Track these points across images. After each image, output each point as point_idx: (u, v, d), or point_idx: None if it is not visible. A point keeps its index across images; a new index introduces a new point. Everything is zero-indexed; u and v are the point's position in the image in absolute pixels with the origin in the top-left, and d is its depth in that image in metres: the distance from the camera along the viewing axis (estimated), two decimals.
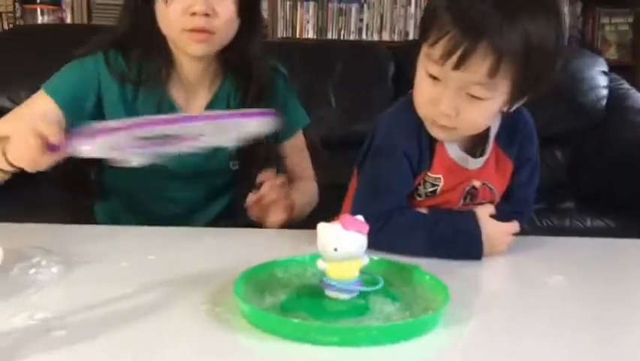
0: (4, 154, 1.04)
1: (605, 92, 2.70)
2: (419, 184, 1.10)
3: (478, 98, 0.98)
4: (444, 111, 0.99)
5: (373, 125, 1.13)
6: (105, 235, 1.13)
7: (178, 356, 0.72)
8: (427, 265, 0.91)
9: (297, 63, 2.44)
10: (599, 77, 2.70)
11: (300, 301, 0.82)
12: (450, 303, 0.81)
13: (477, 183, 1.12)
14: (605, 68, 2.74)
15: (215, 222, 1.34)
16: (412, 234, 1.04)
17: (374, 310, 0.80)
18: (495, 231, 1.06)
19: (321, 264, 0.84)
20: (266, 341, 0.75)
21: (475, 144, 1.11)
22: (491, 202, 1.13)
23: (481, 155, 1.11)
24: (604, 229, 2.25)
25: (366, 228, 0.84)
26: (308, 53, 2.62)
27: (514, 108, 1.05)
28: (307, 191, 1.37)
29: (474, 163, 1.10)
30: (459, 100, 0.99)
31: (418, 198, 1.12)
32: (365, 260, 0.85)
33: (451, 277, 0.89)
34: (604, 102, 2.69)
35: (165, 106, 1.26)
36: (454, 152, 1.09)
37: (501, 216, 1.09)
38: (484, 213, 1.08)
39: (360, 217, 0.85)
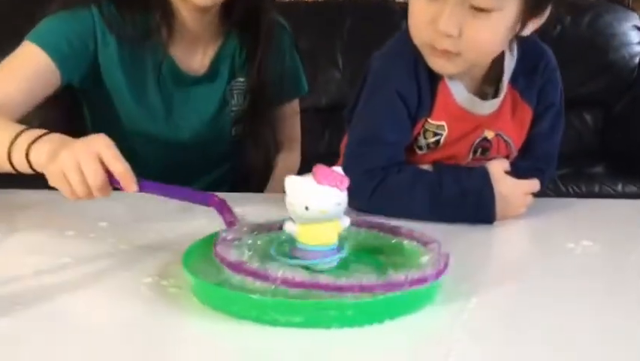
0: (27, 153, 0.85)
1: (638, 49, 2.53)
2: (418, 134, 0.94)
3: (483, 10, 0.83)
4: (444, 30, 0.83)
5: (365, 66, 0.97)
6: (56, 200, 0.98)
7: (105, 336, 0.59)
8: (432, 229, 0.76)
9: (302, 22, 2.27)
10: (631, 33, 2.53)
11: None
12: (451, 275, 0.65)
13: (489, 134, 0.95)
14: (639, 23, 2.55)
15: (213, 190, 1.21)
16: (412, 194, 0.89)
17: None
18: (511, 190, 0.90)
19: (289, 226, 0.69)
20: (215, 322, 0.60)
21: (485, 84, 0.95)
22: (507, 157, 0.97)
23: (494, 97, 0.94)
24: (636, 195, 2.08)
25: (345, 182, 0.68)
26: (313, 11, 2.47)
27: (527, 33, 0.90)
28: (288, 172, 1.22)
29: (485, 107, 0.94)
30: (461, 15, 0.83)
31: (419, 152, 0.96)
32: (345, 222, 0.70)
33: (456, 244, 0.74)
34: (637, 60, 2.52)
35: (167, 66, 1.13)
36: (459, 93, 0.93)
37: (518, 173, 0.93)
38: (497, 169, 0.91)
39: (338, 169, 0.69)
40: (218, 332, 0.59)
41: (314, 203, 0.67)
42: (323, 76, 2.39)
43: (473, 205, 0.88)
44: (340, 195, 0.68)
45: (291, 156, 1.31)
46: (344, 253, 0.69)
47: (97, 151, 0.79)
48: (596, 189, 2.10)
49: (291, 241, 0.69)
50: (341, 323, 0.58)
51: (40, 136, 0.85)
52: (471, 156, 0.96)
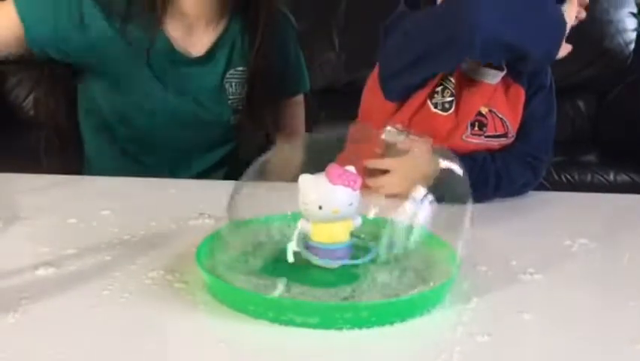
0: None
1: (633, 35, 2.50)
2: (435, 87, 0.95)
3: None
4: None
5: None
6: (58, 186, 0.97)
7: (115, 332, 0.58)
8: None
9: (297, 1, 2.23)
10: (626, 20, 2.50)
11: (278, 270, 0.66)
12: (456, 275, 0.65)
13: (484, 109, 0.98)
14: (635, 10, 2.53)
15: (207, 174, 1.20)
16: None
17: (365, 282, 0.65)
18: None
19: (303, 225, 0.68)
20: (227, 319, 0.60)
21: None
22: (504, 136, 0.99)
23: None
24: (628, 184, 2.09)
25: (358, 182, 0.68)
26: None
27: None
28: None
29: (493, 76, 0.96)
30: None
31: (433, 110, 0.96)
32: (357, 221, 0.69)
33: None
34: (632, 47, 2.49)
35: (162, 45, 1.10)
36: (464, 62, 0.96)
37: (516, 158, 0.98)
38: None
39: (351, 168, 0.68)
40: (230, 330, 0.59)
41: (327, 203, 0.66)
42: (318, 57, 2.36)
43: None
44: (353, 195, 0.67)
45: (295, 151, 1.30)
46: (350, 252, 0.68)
47: None
48: (589, 178, 2.11)
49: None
50: (354, 324, 0.58)
51: None
52: (469, 130, 0.97)
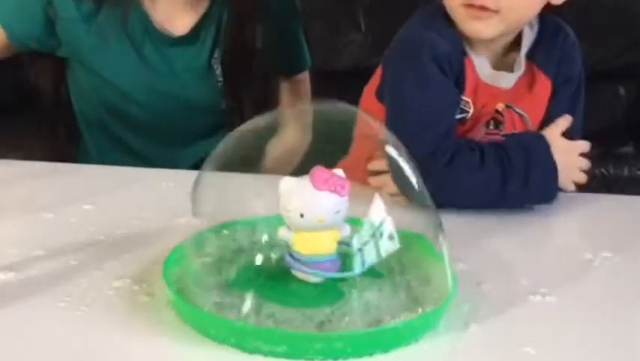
0: None
1: None
2: None
3: None
4: None
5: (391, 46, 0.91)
6: (40, 175, 0.91)
7: (57, 351, 0.52)
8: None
9: None
10: None
11: (253, 284, 0.59)
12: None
13: (500, 106, 0.90)
14: None
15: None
16: (484, 170, 0.83)
17: (348, 301, 0.57)
18: (565, 155, 0.86)
19: (284, 233, 0.61)
20: (190, 344, 0.53)
21: (505, 61, 0.91)
22: None
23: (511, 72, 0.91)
24: None
25: (346, 187, 0.60)
26: None
27: (559, 1, 0.87)
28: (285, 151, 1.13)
29: (506, 80, 0.90)
30: None
31: None
32: (345, 230, 0.62)
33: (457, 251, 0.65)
34: None
35: (137, 22, 1.05)
36: (483, 68, 0.88)
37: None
38: (552, 132, 0.88)
39: (339, 172, 0.61)
40: (192, 357, 0.52)
41: (310, 211, 0.59)
42: (343, 38, 2.27)
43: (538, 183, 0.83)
44: (340, 202, 0.60)
45: (290, 133, 1.19)
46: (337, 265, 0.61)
47: None
48: (625, 171, 1.99)
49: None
50: (327, 355, 0.51)
51: None
52: (484, 130, 0.90)
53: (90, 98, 1.10)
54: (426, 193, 0.65)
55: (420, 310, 0.56)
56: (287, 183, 0.60)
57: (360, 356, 0.51)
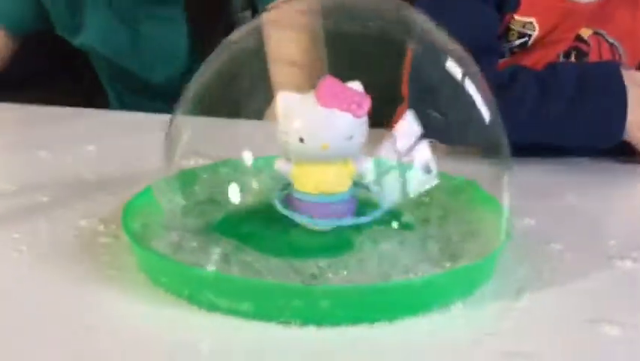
0: None
1: None
2: (501, 35, 0.71)
3: None
4: None
5: None
6: (52, 118, 0.83)
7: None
8: None
9: None
10: None
11: (243, 230, 0.46)
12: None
13: (585, 32, 0.71)
14: None
15: None
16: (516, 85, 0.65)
17: (359, 252, 0.43)
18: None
19: (281, 165, 0.47)
20: (139, 293, 0.41)
21: None
22: None
23: None
24: None
25: (364, 105, 0.45)
26: None
27: None
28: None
29: None
30: None
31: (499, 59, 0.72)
32: (363, 164, 0.47)
33: None
34: None
35: None
36: None
37: None
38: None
39: (357, 84, 0.46)
40: (140, 312, 0.40)
41: (312, 134, 0.45)
42: None
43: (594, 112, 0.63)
44: (354, 125, 0.45)
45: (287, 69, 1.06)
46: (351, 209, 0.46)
47: None
48: None
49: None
50: (307, 317, 0.37)
51: None
52: (562, 61, 0.72)
53: (95, 59, 1.03)
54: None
55: (448, 265, 0.40)
56: (286, 98, 0.46)
57: (354, 322, 0.36)
